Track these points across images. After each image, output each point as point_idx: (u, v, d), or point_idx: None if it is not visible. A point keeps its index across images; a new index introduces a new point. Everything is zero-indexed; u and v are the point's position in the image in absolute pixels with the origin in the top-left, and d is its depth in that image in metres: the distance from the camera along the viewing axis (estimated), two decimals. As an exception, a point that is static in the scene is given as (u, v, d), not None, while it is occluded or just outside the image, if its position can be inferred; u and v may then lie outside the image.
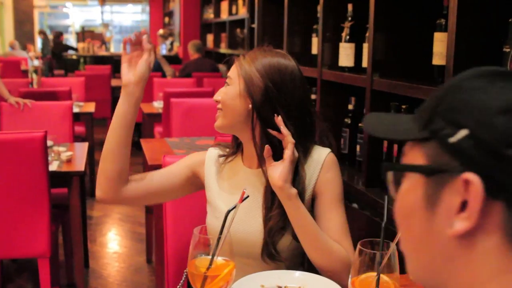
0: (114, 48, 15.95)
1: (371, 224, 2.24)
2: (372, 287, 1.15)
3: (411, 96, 2.10)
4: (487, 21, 1.83)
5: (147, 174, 1.68)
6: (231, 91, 1.61)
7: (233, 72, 1.62)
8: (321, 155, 1.65)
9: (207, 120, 4.25)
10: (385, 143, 2.34)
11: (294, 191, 1.53)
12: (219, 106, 1.63)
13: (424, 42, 2.25)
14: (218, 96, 1.64)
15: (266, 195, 1.61)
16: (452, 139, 0.67)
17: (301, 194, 1.57)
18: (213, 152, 1.75)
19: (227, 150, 1.74)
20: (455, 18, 1.82)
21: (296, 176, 1.58)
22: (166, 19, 14.65)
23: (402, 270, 1.24)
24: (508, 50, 1.72)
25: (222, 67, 7.98)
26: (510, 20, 1.72)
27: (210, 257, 1.22)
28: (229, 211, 1.25)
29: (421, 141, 0.72)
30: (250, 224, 1.62)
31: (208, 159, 1.73)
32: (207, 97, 4.96)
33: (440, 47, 2.06)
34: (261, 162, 1.59)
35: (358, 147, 2.67)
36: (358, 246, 1.18)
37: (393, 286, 1.17)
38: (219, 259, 1.23)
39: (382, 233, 1.19)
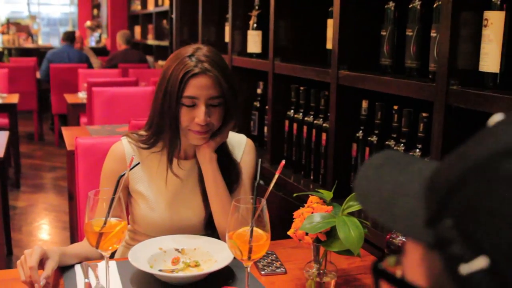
0: (42, 41, 15.64)
1: (273, 197, 2.41)
2: (247, 238, 1.31)
3: (305, 77, 2.28)
4: (367, 7, 2.02)
5: None
6: (222, 113, 1.70)
7: (218, 91, 1.65)
8: (241, 139, 1.86)
9: (129, 108, 4.37)
10: (287, 123, 2.51)
11: (215, 155, 1.74)
12: (210, 128, 1.68)
13: (321, 28, 2.43)
14: (209, 120, 1.65)
15: (202, 179, 1.78)
16: (463, 269, 0.44)
17: (238, 176, 1.80)
18: (128, 146, 1.76)
19: (143, 139, 1.76)
20: (338, 5, 2.01)
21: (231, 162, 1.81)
22: (95, 11, 14.49)
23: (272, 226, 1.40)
24: (384, 33, 1.92)
25: (149, 58, 8.04)
26: (385, 6, 1.91)
27: (104, 218, 1.36)
28: (121, 176, 1.39)
29: (422, 242, 0.50)
30: (192, 206, 1.79)
31: (129, 156, 1.73)
32: (131, 86, 5.05)
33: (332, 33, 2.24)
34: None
35: (265, 129, 2.84)
36: (233, 203, 1.34)
37: (265, 236, 1.33)
38: (112, 220, 1.36)
39: (255, 190, 1.35)
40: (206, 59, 1.65)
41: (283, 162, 1.35)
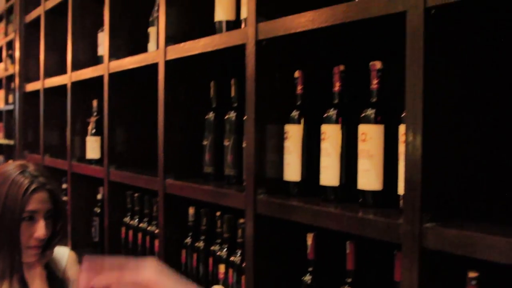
0: None
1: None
2: None
3: (136, 185, 2.32)
4: (191, 117, 2.12)
5: None
6: (53, 227, 1.74)
7: (52, 204, 1.72)
8: (64, 253, 1.85)
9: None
10: (123, 230, 2.51)
11: (44, 272, 1.76)
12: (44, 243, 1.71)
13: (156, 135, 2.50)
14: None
15: None
16: None
17: None
18: None
19: None
20: (163, 114, 2.09)
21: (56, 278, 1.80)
22: None
23: None
24: (206, 143, 2.01)
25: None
26: (206, 117, 2.02)
27: None
28: None
29: None
30: None
31: None
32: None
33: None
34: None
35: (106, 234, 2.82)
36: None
37: None
38: None
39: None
40: (39, 174, 1.72)
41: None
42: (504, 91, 1.26)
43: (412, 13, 1.17)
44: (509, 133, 1.27)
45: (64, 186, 3.22)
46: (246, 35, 1.65)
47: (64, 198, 3.18)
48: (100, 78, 2.70)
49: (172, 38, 2.10)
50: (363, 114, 1.42)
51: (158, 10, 2.20)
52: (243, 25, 1.76)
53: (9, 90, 7.60)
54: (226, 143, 1.89)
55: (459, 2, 1.11)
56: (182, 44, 2.00)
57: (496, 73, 1.25)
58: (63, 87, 3.26)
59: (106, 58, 2.62)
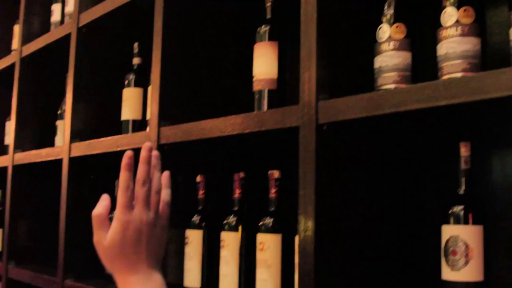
0: None
1: None
2: None
3: (36, 285, 2.22)
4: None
5: None
6: None
7: None
8: None
9: None
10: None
11: None
12: None
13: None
14: None
15: None
16: None
17: None
18: None
19: None
20: (64, 213, 2.03)
21: None
22: None
23: None
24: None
25: None
26: (109, 216, 1.97)
27: None
28: None
29: None
30: None
31: None
32: None
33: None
34: None
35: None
36: None
37: None
38: None
39: None
40: None
41: None
42: (403, 201, 1.30)
43: (304, 129, 1.20)
44: (406, 250, 1.30)
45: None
46: (149, 138, 1.65)
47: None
48: (4, 169, 2.62)
49: (78, 133, 2.07)
50: (261, 223, 1.42)
51: (66, 104, 2.18)
52: (148, 127, 1.76)
53: None
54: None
55: (349, 120, 1.15)
56: (86, 142, 1.97)
57: (391, 179, 1.29)
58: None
59: (11, 149, 2.55)
